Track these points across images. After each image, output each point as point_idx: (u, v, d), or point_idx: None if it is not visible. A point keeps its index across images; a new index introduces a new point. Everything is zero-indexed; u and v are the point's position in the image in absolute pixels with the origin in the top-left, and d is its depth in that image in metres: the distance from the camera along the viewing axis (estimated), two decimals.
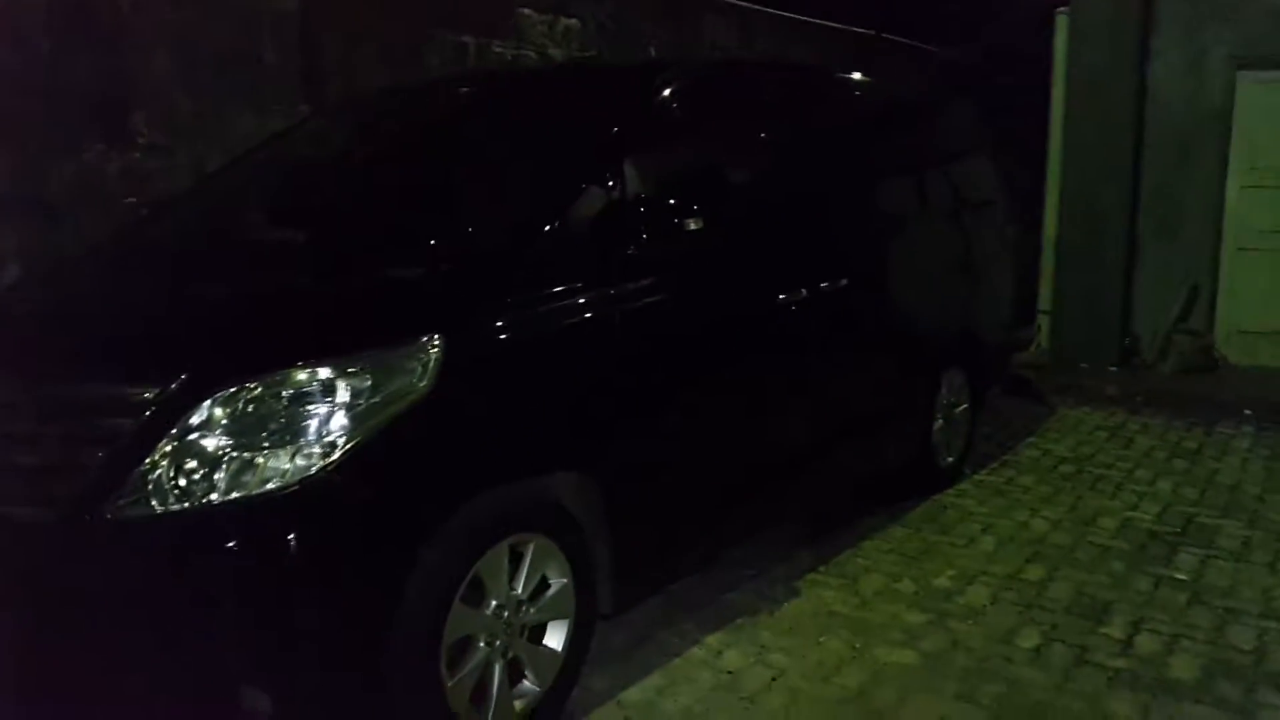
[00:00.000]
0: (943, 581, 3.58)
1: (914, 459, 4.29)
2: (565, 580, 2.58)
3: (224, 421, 2.09)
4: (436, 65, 5.12)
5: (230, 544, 2.05)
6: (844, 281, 3.59)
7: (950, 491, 4.48)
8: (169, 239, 3.09)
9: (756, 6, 7.49)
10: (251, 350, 2.20)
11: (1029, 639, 3.17)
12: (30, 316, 2.67)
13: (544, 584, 2.55)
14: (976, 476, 4.71)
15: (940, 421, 4.41)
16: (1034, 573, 3.67)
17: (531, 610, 2.52)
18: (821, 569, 3.62)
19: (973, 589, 3.52)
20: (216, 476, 2.06)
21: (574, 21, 6.05)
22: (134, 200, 3.91)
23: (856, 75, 4.45)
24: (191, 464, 2.07)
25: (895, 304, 4.06)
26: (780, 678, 2.89)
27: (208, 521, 2.05)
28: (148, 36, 3.97)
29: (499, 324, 2.43)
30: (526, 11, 5.72)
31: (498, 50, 5.53)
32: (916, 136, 4.50)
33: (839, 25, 8.35)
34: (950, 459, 4.55)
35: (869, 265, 3.88)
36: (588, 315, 2.63)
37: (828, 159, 3.81)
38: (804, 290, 3.37)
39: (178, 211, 3.30)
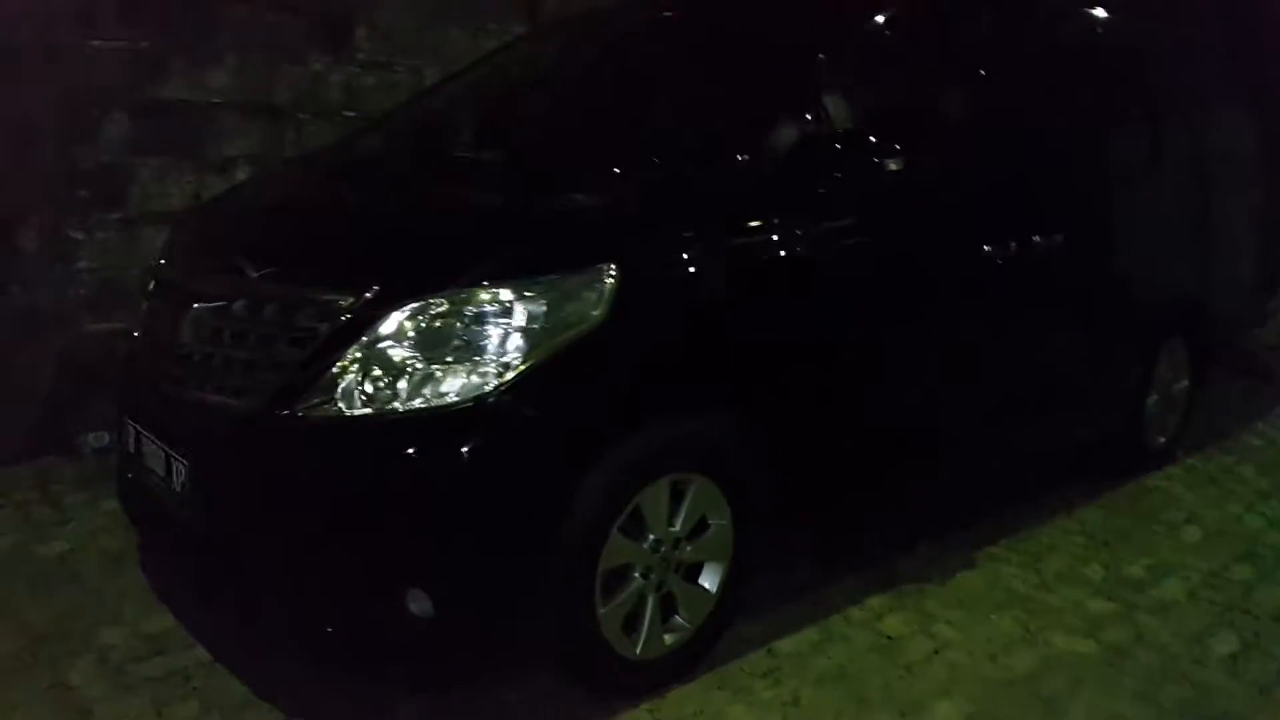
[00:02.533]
0: (1135, 570, 3.33)
1: (1122, 435, 3.98)
2: (724, 522, 2.55)
3: (410, 334, 2.16)
4: None
5: (408, 451, 2.12)
6: (1059, 237, 3.32)
7: (1158, 474, 4.14)
8: (379, 153, 3.21)
9: None
10: (438, 267, 2.25)
11: (1226, 644, 2.91)
12: (247, 218, 2.84)
13: (703, 524, 2.53)
14: (1189, 461, 4.33)
15: (1155, 396, 4.05)
16: (1241, 573, 3.36)
17: (689, 548, 2.51)
18: (1003, 542, 3.43)
19: (1168, 582, 3.26)
20: (400, 386, 2.14)
21: None
22: (352, 113, 4.09)
23: (1092, 8, 4.03)
24: (377, 371, 2.15)
25: (1116, 263, 3.72)
26: (943, 650, 2.78)
27: (388, 428, 2.13)
28: None
29: (677, 256, 2.39)
30: None
31: None
32: (1157, 76, 4.05)
33: None
34: (1162, 439, 4.20)
35: (1090, 219, 3.57)
36: (770, 254, 2.55)
37: (1051, 98, 3.50)
38: (1013, 244, 3.15)
39: (390, 126, 3.41)
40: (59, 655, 2.50)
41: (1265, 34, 4.77)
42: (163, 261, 2.80)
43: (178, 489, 2.37)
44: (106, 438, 3.63)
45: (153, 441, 2.47)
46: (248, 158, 3.88)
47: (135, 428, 2.57)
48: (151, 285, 2.78)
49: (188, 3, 3.71)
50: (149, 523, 2.71)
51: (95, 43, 3.53)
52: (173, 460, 2.38)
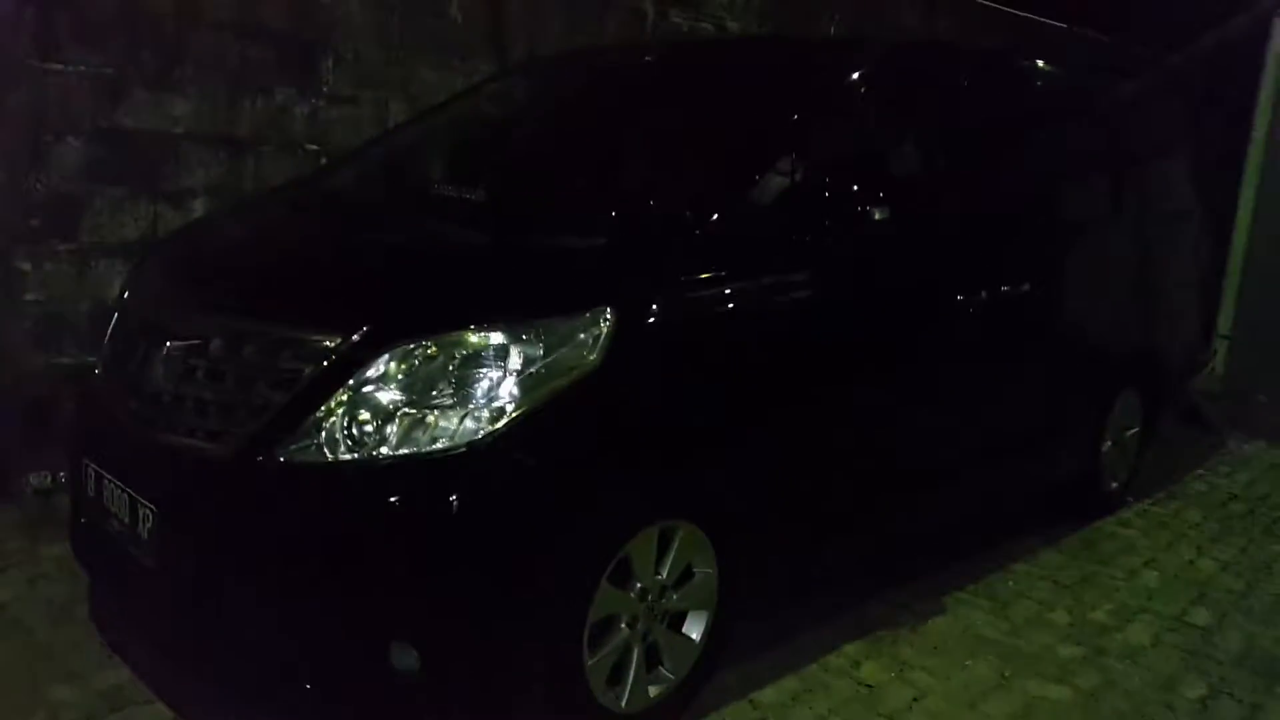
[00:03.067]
0: (1100, 615, 3.37)
1: (1077, 481, 4.05)
2: (710, 571, 2.52)
3: (399, 377, 2.10)
4: (613, 31, 5.07)
5: (394, 499, 2.05)
6: (1026, 286, 3.39)
7: (1111, 519, 4.23)
8: (353, 188, 3.14)
9: None
10: (428, 308, 2.20)
11: (1194, 688, 2.95)
12: (219, 252, 2.75)
13: (689, 572, 2.49)
14: (1140, 506, 4.43)
15: (1109, 443, 4.15)
16: (1200, 617, 3.42)
17: (674, 597, 2.47)
18: (969, 587, 3.45)
19: (1133, 627, 3.31)
20: (388, 430, 2.07)
21: None
22: (315, 146, 4.00)
23: (1051, 66, 4.18)
24: (365, 416, 2.08)
25: (1076, 313, 3.82)
26: (922, 699, 2.76)
27: (375, 474, 2.06)
28: None
29: (670, 303, 2.37)
30: None
31: (675, 20, 5.45)
32: (1113, 136, 4.20)
33: (1030, 15, 7.93)
34: (1115, 484, 4.29)
35: (1053, 269, 3.65)
36: (760, 302, 2.55)
37: (1019, 153, 3.60)
38: (984, 292, 3.20)
39: (363, 161, 3.34)
40: (7, 715, 2.34)
41: (1208, 98, 4.99)
42: (127, 295, 2.69)
43: (144, 535, 2.25)
44: (49, 478, 3.46)
45: (116, 485, 2.35)
46: (207, 189, 3.76)
47: (95, 469, 2.44)
48: (115, 320, 2.66)
49: (151, 28, 3.60)
50: (105, 570, 2.57)
51: (54, 66, 3.41)
52: (139, 505, 2.26)
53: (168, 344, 2.31)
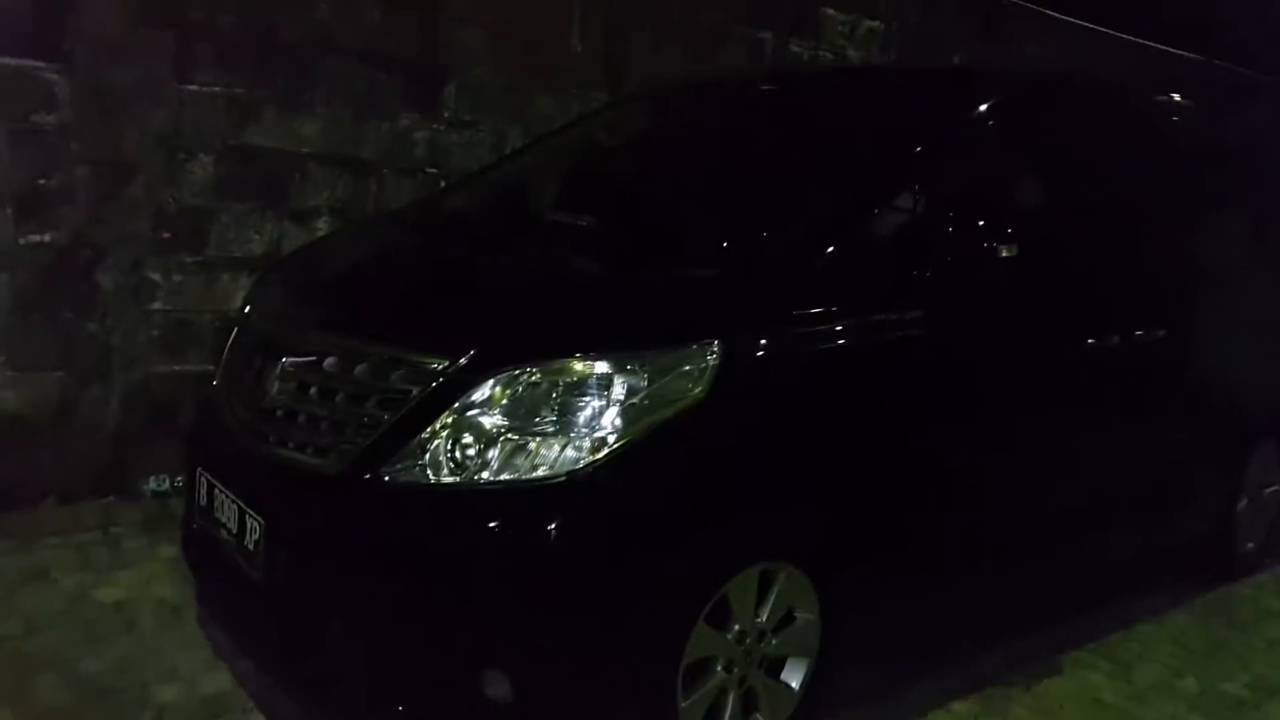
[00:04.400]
0: (1234, 688, 3.13)
1: (1210, 540, 3.80)
2: (812, 616, 2.43)
3: (503, 402, 2.08)
4: (732, 60, 5.05)
5: (492, 524, 2.03)
6: (1158, 331, 3.20)
7: (1246, 583, 3.95)
8: (471, 212, 3.17)
9: (1076, 21, 6.94)
10: (534, 335, 2.18)
11: None
12: (336, 272, 2.80)
13: (790, 617, 2.41)
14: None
15: (1245, 501, 3.88)
16: None
17: (774, 641, 2.39)
18: (1088, 646, 3.25)
19: (1272, 704, 3.06)
20: (490, 455, 2.06)
21: (876, 24, 5.81)
22: (435, 170, 4.08)
23: (1187, 102, 3.97)
24: (468, 439, 2.07)
25: (1213, 361, 3.58)
26: None
27: (475, 499, 2.05)
28: (467, 10, 4.11)
29: (781, 337, 2.30)
30: (830, 11, 5.54)
31: (795, 49, 5.40)
32: (1252, 176, 3.97)
33: (1164, 47, 7.62)
34: (1250, 545, 4.01)
35: (1189, 315, 3.45)
36: (875, 340, 2.46)
37: (1152, 191, 3.42)
38: (1113, 337, 3.03)
39: (479, 186, 3.38)
40: (115, 713, 2.41)
41: None
42: (247, 310, 2.76)
43: (250, 546, 2.28)
44: (168, 481, 3.58)
45: (227, 495, 2.40)
46: (330, 209, 3.86)
47: (208, 479, 2.50)
48: (234, 333, 2.73)
49: (283, 52, 3.73)
50: (213, 578, 2.62)
51: (192, 86, 3.55)
52: (248, 516, 2.30)
53: (283, 360, 2.35)
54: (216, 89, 3.61)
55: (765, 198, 2.71)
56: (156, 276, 3.58)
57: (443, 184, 3.96)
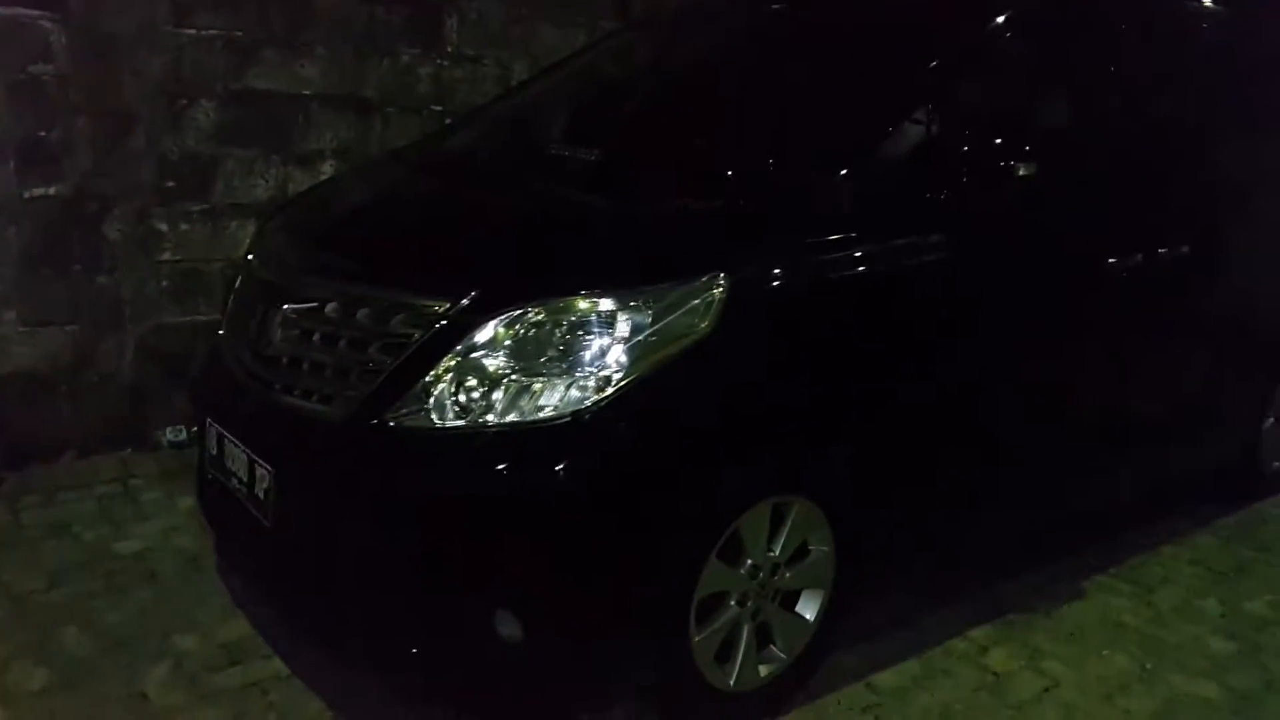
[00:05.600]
0: (1258, 607, 3.11)
1: (1236, 460, 3.74)
2: (826, 549, 2.41)
3: (507, 343, 2.05)
4: None
5: (500, 466, 2.01)
6: (1185, 248, 3.11)
7: (1271, 502, 3.90)
8: (474, 149, 3.10)
9: None
10: (537, 273, 2.14)
11: None
12: (337, 216, 2.76)
13: (803, 549, 2.39)
14: None
15: (1272, 420, 3.81)
16: None
17: (787, 575, 2.37)
18: (1112, 571, 3.23)
19: None
20: (495, 398, 2.03)
21: None
22: (440, 107, 4.01)
23: (1218, 6, 3.79)
24: (472, 382, 2.04)
25: (1239, 280, 3.48)
26: (1054, 689, 2.60)
27: (482, 441, 2.02)
28: None
29: (790, 268, 2.24)
30: None
31: None
32: None
33: None
34: (1276, 464, 3.94)
35: (1214, 231, 3.34)
36: (888, 266, 2.39)
37: (1179, 103, 3.30)
38: (1139, 255, 2.94)
39: (482, 122, 3.31)
40: (135, 661, 2.44)
41: None
42: (250, 257, 2.73)
43: (260, 495, 2.29)
44: (184, 432, 3.60)
45: (236, 445, 2.40)
46: (335, 151, 3.82)
47: (218, 429, 2.50)
48: (238, 282, 2.71)
49: None
50: (228, 527, 2.63)
51: (190, 31, 3.48)
52: (256, 465, 2.30)
53: (284, 306, 2.33)
54: (215, 32, 3.55)
55: (773, 123, 2.64)
56: (163, 226, 3.57)
57: (447, 121, 3.89)
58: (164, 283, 3.59)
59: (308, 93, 3.74)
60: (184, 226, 3.59)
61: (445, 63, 4.02)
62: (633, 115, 3.02)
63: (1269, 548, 3.52)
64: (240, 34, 3.59)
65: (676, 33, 3.49)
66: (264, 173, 3.71)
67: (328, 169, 3.78)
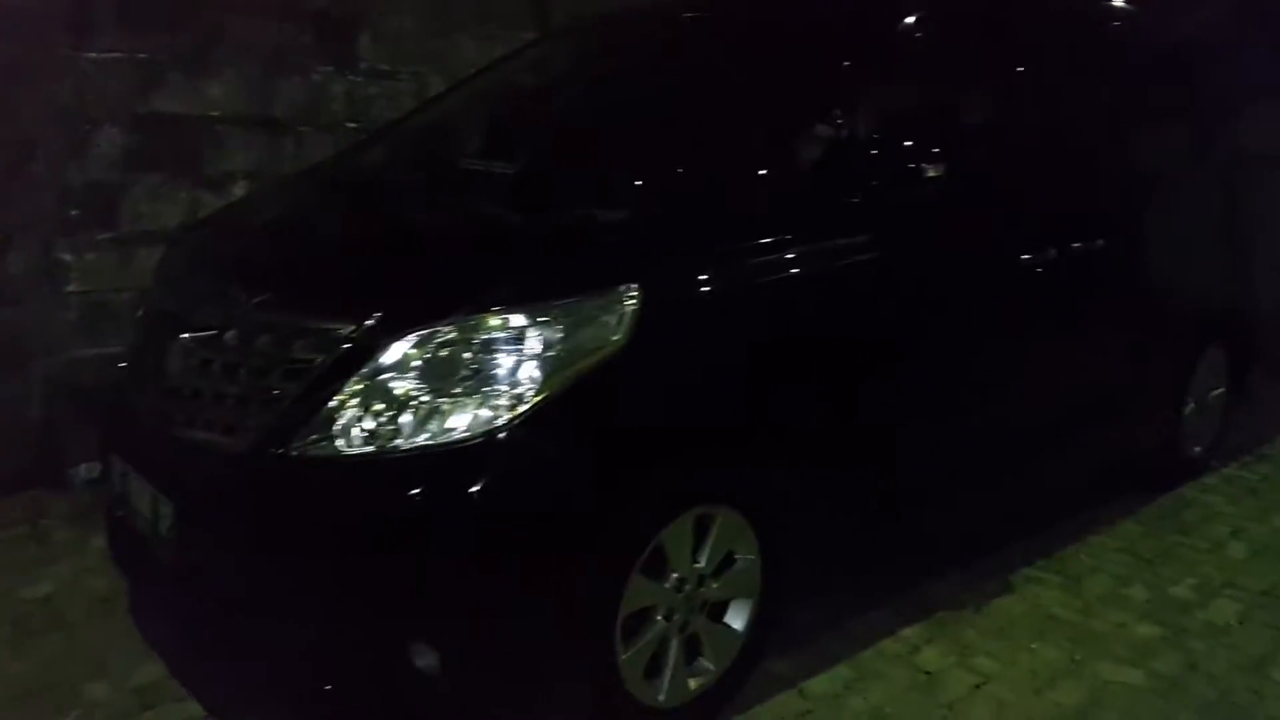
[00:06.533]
0: (1181, 591, 3.16)
1: (1159, 446, 3.81)
2: (752, 557, 2.39)
3: (414, 365, 2.00)
4: None
5: (412, 492, 1.96)
6: (1100, 241, 3.16)
7: (1194, 486, 3.98)
8: (382, 166, 3.05)
9: None
10: (445, 291, 2.09)
11: None
12: (242, 238, 2.69)
13: (729, 559, 2.37)
14: (1226, 471, 4.16)
15: (1192, 405, 3.89)
16: None
17: (714, 586, 2.35)
18: (1039, 563, 3.26)
19: (1217, 603, 3.09)
20: (403, 421, 1.98)
21: None
22: (355, 124, 3.94)
23: (1124, 3, 3.88)
24: (379, 406, 1.99)
25: (1155, 269, 3.55)
26: (985, 685, 2.61)
27: (391, 468, 1.97)
28: None
29: (702, 276, 2.23)
30: None
31: None
32: (1193, 78, 3.90)
33: None
34: (1198, 448, 4.03)
35: (1129, 223, 3.41)
36: (802, 271, 2.39)
37: (1089, 99, 3.35)
38: (1053, 250, 2.98)
39: (394, 137, 3.26)
40: (42, 714, 2.34)
41: None
42: (153, 286, 2.65)
43: (164, 532, 2.21)
44: (99, 469, 3.48)
45: (139, 480, 2.32)
46: (246, 173, 3.73)
47: (122, 465, 2.42)
48: (142, 311, 2.63)
49: (186, 13, 3.56)
50: (136, 567, 2.55)
51: (91, 54, 3.38)
52: (159, 501, 2.22)
53: (183, 335, 2.26)
54: (117, 55, 3.45)
55: (685, 131, 2.62)
56: (68, 257, 3.46)
57: (358, 138, 3.82)
58: (72, 315, 3.48)
59: (216, 114, 3.65)
60: (90, 256, 3.48)
61: (359, 79, 3.97)
62: (546, 127, 2.98)
63: (1192, 531, 3.59)
64: (144, 56, 3.49)
65: (592, 42, 3.47)
66: (174, 198, 3.61)
67: (240, 192, 3.69)
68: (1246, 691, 2.65)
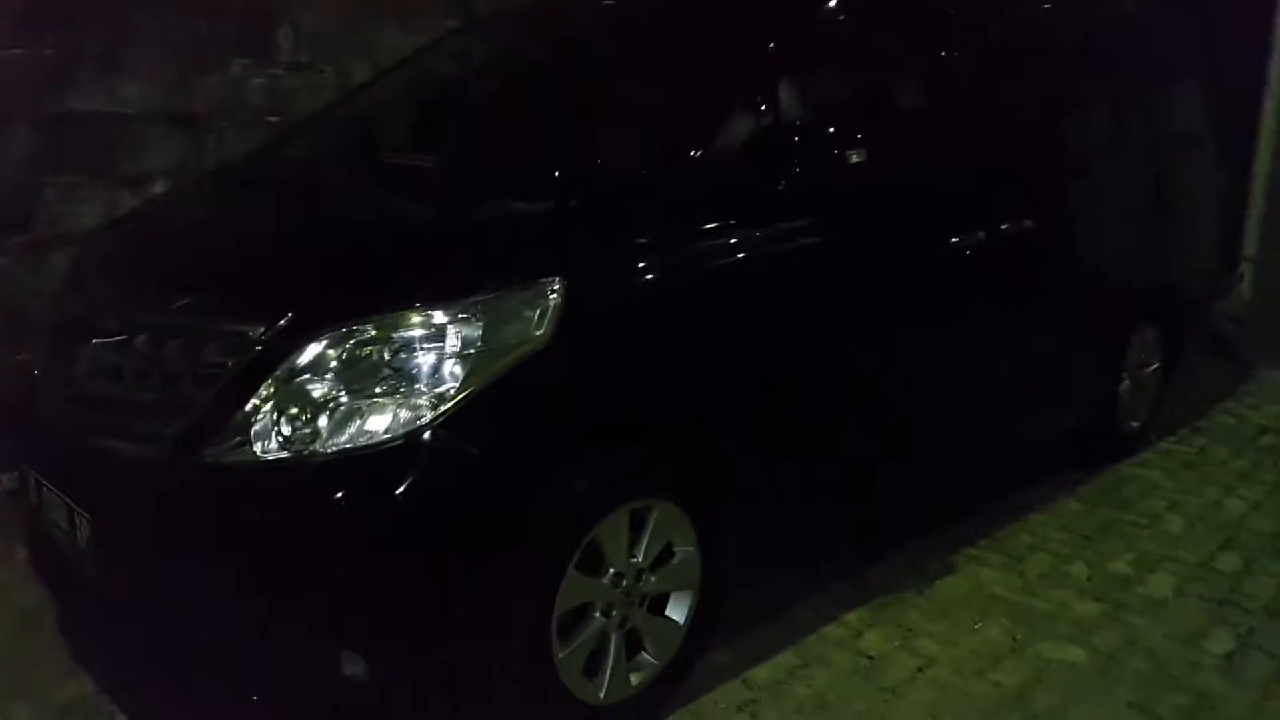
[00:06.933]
0: (1120, 566, 3.19)
1: (1095, 423, 3.85)
2: (691, 549, 2.37)
3: (331, 365, 1.93)
4: None
5: (333, 497, 1.90)
6: (1028, 223, 3.17)
7: (1133, 461, 4.03)
8: (299, 160, 2.96)
9: None
10: (361, 290, 2.02)
11: (1220, 643, 2.77)
12: (149, 240, 2.59)
13: (668, 552, 2.34)
14: (1163, 444, 4.23)
15: (1127, 382, 3.94)
16: (1228, 563, 3.23)
17: (653, 579, 2.32)
18: (981, 543, 3.28)
19: (1155, 577, 3.13)
20: (321, 424, 1.91)
21: None
22: (276, 118, 3.84)
23: None
24: (295, 409, 1.92)
25: (1085, 249, 3.58)
26: (928, 668, 2.61)
27: (309, 473, 1.90)
28: None
29: (627, 268, 2.19)
30: None
31: None
32: (1116, 58, 3.92)
33: None
34: (1135, 424, 4.08)
35: (1056, 204, 3.42)
36: (729, 259, 2.35)
37: (1013, 80, 3.35)
38: (981, 232, 2.98)
39: (312, 131, 3.17)
40: None
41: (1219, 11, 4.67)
42: (63, 289, 2.55)
43: (81, 545, 2.12)
44: (18, 478, 3.35)
45: (54, 492, 2.22)
46: (165, 171, 3.61)
47: (35, 476, 2.32)
48: (52, 317, 2.52)
49: (96, 9, 3.43)
50: (58, 580, 2.46)
51: None
52: (75, 513, 2.13)
53: (92, 341, 2.17)
54: (18, 52, 3.32)
55: (605, 120, 2.58)
56: None
57: (278, 133, 3.73)
58: None
59: (130, 111, 3.53)
60: (2, 260, 3.35)
61: (280, 72, 3.86)
62: (466, 118, 2.92)
63: (1130, 506, 3.63)
64: (50, 53, 3.36)
65: (512, 32, 3.40)
66: (89, 198, 3.48)
67: (159, 190, 3.57)
68: (1183, 664, 2.67)
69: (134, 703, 2.33)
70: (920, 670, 2.61)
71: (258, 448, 1.92)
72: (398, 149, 2.91)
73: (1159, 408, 4.24)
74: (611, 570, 2.23)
